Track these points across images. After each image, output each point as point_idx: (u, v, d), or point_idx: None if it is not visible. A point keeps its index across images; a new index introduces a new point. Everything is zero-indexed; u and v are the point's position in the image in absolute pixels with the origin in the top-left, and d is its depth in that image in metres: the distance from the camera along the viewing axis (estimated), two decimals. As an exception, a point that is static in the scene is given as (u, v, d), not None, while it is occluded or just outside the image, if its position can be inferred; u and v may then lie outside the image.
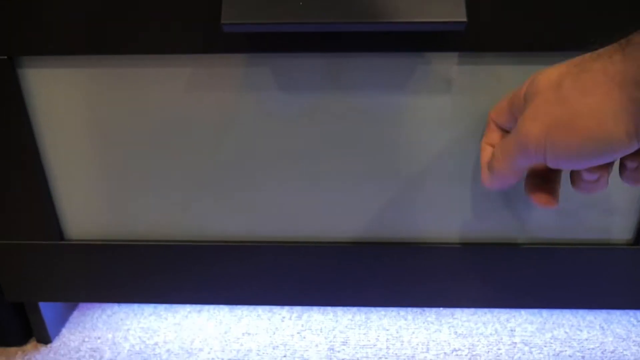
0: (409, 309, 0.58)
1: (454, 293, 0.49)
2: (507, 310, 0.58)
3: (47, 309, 0.54)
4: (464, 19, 0.34)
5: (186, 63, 0.40)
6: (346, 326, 0.56)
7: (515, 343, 0.54)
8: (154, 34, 0.38)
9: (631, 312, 0.58)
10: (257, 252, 0.47)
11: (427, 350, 0.53)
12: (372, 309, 0.58)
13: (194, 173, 0.44)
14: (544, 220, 0.46)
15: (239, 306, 0.58)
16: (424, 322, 0.57)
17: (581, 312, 0.58)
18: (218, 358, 0.53)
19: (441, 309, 0.58)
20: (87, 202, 0.46)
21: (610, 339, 0.55)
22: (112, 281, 0.49)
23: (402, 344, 0.54)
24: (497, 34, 0.37)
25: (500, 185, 0.37)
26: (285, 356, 0.53)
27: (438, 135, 0.42)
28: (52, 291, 0.50)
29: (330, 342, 0.55)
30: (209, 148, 0.43)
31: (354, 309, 0.59)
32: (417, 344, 0.54)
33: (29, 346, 0.55)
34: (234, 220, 0.46)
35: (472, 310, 0.59)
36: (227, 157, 0.43)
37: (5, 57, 0.39)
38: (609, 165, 0.35)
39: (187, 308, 0.59)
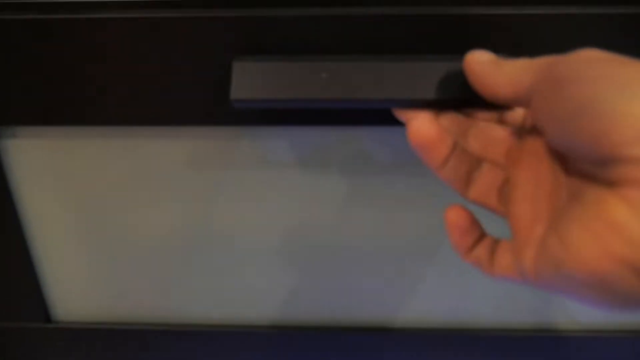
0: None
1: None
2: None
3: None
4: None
5: (178, 135, 0.35)
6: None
7: None
8: (147, 105, 0.33)
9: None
10: (248, 336, 0.42)
11: None
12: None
13: (185, 253, 0.39)
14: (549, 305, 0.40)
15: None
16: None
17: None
18: None
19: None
20: (74, 283, 0.40)
21: None
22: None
23: None
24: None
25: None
26: None
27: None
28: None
29: None
30: (199, 227, 0.38)
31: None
32: None
33: None
34: (223, 303, 0.41)
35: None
36: (219, 236, 0.38)
37: (-16, 127, 0.35)
38: None
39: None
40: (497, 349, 0.42)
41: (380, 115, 0.32)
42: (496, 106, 0.26)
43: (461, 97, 0.28)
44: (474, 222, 0.27)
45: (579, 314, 0.41)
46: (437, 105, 0.29)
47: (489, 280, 0.27)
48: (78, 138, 0.35)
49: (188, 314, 0.42)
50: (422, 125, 0.27)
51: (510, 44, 0.30)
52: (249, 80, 0.30)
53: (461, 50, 0.27)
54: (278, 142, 0.35)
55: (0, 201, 0.37)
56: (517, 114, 0.28)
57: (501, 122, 0.29)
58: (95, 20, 0.31)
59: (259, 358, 0.44)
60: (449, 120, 0.28)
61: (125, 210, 0.38)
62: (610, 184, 0.19)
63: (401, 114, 0.29)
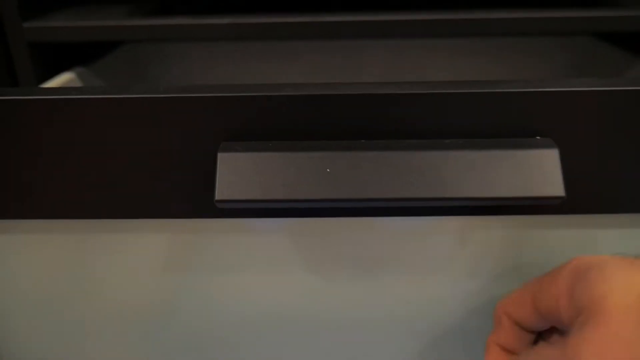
0: None
1: None
2: None
3: None
4: (563, 194, 0.24)
5: (161, 228, 0.30)
6: None
7: None
8: (133, 198, 0.28)
9: None
10: None
11: None
12: None
13: (168, 347, 0.34)
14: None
15: None
16: None
17: None
18: None
19: None
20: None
21: None
22: None
23: None
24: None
25: None
26: None
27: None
28: None
29: None
30: (182, 322, 0.33)
31: None
32: None
33: None
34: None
35: None
36: (210, 329, 0.33)
37: None
38: None
39: None
40: None
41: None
42: None
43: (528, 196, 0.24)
44: None
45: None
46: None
47: None
48: (56, 232, 0.30)
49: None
50: None
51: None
52: (236, 176, 0.24)
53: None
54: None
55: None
56: None
57: None
58: (71, 101, 0.26)
59: None
60: None
61: (96, 302, 0.32)
62: None
63: None
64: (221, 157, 0.24)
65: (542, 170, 0.23)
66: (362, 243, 0.30)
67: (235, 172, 0.24)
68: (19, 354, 0.34)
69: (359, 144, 0.24)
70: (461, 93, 0.25)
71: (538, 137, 0.25)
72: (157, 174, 0.27)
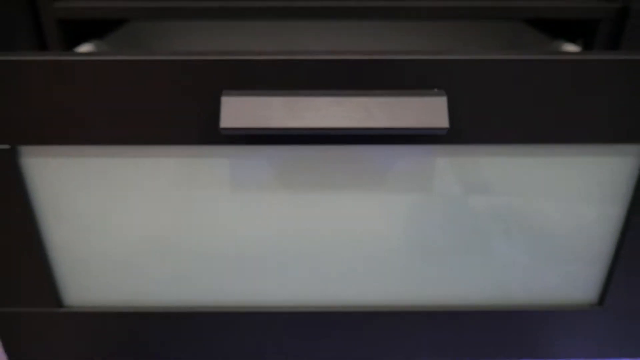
0: None
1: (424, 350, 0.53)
2: None
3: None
4: (447, 126, 0.37)
5: (177, 153, 0.42)
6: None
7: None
8: (148, 127, 0.40)
9: None
10: (247, 318, 0.50)
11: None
12: None
13: (187, 247, 0.46)
14: (510, 285, 0.49)
15: None
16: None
17: None
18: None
19: None
20: (84, 272, 0.47)
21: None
22: (108, 344, 0.51)
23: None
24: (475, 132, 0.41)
25: None
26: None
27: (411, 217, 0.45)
28: (56, 353, 0.52)
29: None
30: (201, 225, 0.45)
31: None
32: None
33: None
34: (226, 289, 0.49)
35: None
36: (221, 233, 0.46)
37: (8, 146, 0.41)
38: None
39: None
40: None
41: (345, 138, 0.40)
42: None
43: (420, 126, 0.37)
44: None
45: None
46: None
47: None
48: (86, 157, 0.42)
49: (189, 299, 0.49)
50: None
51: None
52: (235, 111, 0.37)
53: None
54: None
55: (20, 204, 0.43)
56: None
57: None
58: (107, 62, 0.38)
59: (256, 339, 0.51)
60: None
61: (124, 211, 0.44)
62: None
63: None
64: (224, 98, 0.37)
65: (434, 110, 0.36)
66: (333, 169, 0.42)
67: (238, 107, 0.37)
68: (65, 249, 0.46)
69: (315, 93, 0.37)
70: (392, 60, 0.38)
71: (435, 89, 0.38)
72: (175, 112, 0.39)
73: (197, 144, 0.40)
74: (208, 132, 0.40)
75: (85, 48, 0.60)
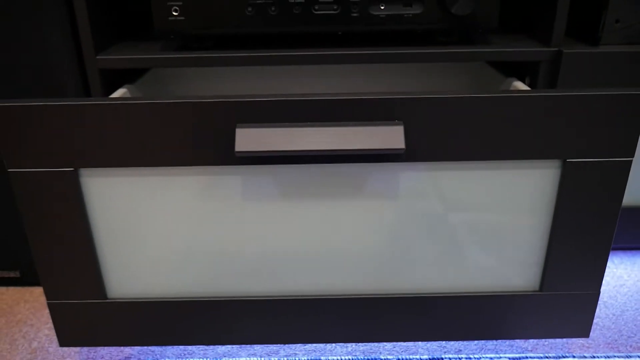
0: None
1: (406, 330, 0.64)
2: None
3: None
4: (403, 147, 0.50)
5: (201, 172, 0.55)
6: None
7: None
8: (180, 151, 0.53)
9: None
10: (271, 305, 0.62)
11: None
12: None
13: (212, 247, 0.58)
14: (466, 276, 0.61)
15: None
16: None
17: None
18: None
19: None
20: (126, 269, 0.59)
21: None
22: (146, 330, 0.63)
23: None
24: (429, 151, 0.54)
25: None
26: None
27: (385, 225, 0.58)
28: (100, 338, 0.63)
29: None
30: (222, 230, 0.58)
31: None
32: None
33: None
34: (243, 281, 0.61)
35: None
36: (239, 236, 0.58)
37: (72, 169, 0.53)
38: None
39: None
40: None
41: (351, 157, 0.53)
42: None
43: (379, 148, 0.50)
44: None
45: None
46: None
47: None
48: (133, 176, 0.54)
49: (219, 289, 0.61)
50: None
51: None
52: (246, 139, 0.49)
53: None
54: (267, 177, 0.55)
55: (78, 214, 0.55)
56: None
57: None
58: (147, 105, 0.51)
59: (299, 324, 0.63)
60: None
61: (161, 219, 0.57)
62: None
63: None
64: (238, 130, 0.49)
65: (391, 135, 0.49)
66: (321, 182, 0.55)
67: (249, 136, 0.49)
68: (111, 246, 0.58)
69: (307, 125, 0.50)
70: (363, 99, 0.51)
71: (396, 120, 0.51)
72: (199, 140, 0.52)
73: (217, 164, 0.53)
74: (226, 155, 0.53)
75: (120, 92, 0.73)
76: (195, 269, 0.60)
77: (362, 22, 0.72)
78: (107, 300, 0.61)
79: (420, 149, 0.53)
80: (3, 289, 0.87)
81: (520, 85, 0.77)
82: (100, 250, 0.59)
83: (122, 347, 0.73)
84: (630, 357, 0.72)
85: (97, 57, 0.72)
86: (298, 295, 0.62)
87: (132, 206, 0.56)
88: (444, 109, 0.52)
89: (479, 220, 0.58)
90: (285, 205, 0.57)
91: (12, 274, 0.88)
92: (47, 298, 0.60)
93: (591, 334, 0.77)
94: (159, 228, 0.57)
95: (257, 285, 0.61)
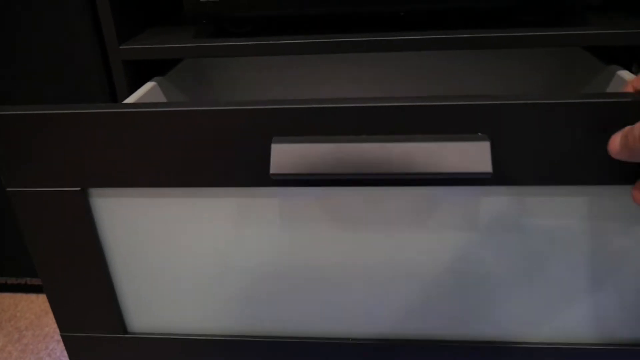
0: None
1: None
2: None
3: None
4: (489, 170, 0.38)
5: (230, 194, 0.45)
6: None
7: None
8: (204, 169, 0.43)
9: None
10: (303, 348, 0.52)
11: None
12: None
13: (240, 280, 0.49)
14: (562, 321, 0.49)
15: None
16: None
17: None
18: None
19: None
20: (147, 301, 0.51)
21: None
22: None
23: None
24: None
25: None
26: None
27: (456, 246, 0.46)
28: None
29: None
30: (252, 260, 0.48)
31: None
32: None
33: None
34: (292, 318, 0.51)
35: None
36: (271, 267, 0.48)
37: (79, 188, 0.45)
38: None
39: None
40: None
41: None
42: None
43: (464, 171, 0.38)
44: None
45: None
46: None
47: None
48: (147, 196, 0.45)
49: (247, 327, 0.52)
50: None
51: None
52: (284, 158, 0.39)
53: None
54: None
55: (89, 239, 0.47)
56: None
57: None
58: (164, 113, 0.41)
59: None
60: None
61: (183, 246, 0.47)
62: None
63: None
64: (274, 146, 0.39)
65: (474, 154, 0.37)
66: (376, 208, 0.44)
67: (287, 154, 0.39)
68: (130, 279, 0.50)
69: (360, 139, 0.39)
70: (434, 105, 0.39)
71: (479, 133, 0.39)
72: (231, 158, 0.41)
73: (249, 185, 0.43)
74: (260, 176, 0.42)
75: (148, 86, 0.64)
76: (224, 303, 0.50)
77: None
78: (128, 335, 0.53)
79: (511, 169, 0.41)
80: (33, 296, 0.81)
81: (627, 75, 0.62)
82: (118, 280, 0.50)
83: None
84: None
85: (121, 47, 0.63)
86: (345, 339, 0.51)
87: (151, 230, 0.47)
88: (547, 118, 0.39)
89: (583, 257, 0.45)
90: (331, 234, 0.46)
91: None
92: (60, 330, 0.53)
93: None
94: (183, 256, 0.48)
95: (295, 324, 0.51)
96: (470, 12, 0.68)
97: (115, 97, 0.65)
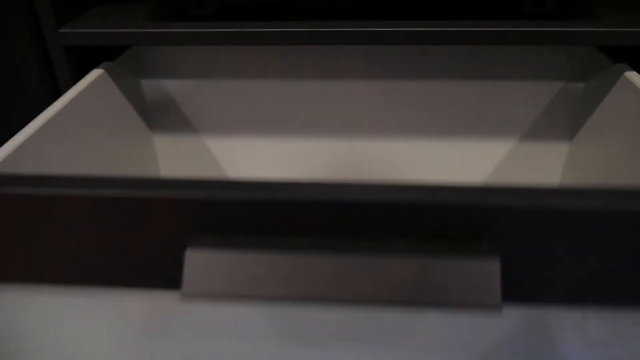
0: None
1: None
2: None
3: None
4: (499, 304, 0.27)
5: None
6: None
7: None
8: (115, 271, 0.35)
9: None
10: None
11: None
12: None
13: None
14: None
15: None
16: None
17: None
18: None
19: None
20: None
21: None
22: None
23: None
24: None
25: None
26: None
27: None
28: None
29: None
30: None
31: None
32: None
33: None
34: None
35: None
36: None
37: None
38: None
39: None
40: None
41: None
42: None
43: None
44: None
45: None
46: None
47: None
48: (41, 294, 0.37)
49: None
50: None
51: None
52: (201, 271, 0.28)
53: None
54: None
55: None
56: None
57: None
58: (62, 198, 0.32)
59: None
60: None
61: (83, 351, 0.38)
62: None
63: None
64: (188, 254, 0.28)
65: (476, 280, 0.26)
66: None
67: (200, 268, 0.28)
68: None
69: (318, 245, 0.28)
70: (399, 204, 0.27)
71: (485, 242, 0.27)
72: (135, 256, 0.31)
73: (159, 288, 0.32)
74: (172, 280, 0.32)
75: (96, 74, 0.56)
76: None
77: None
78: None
79: (526, 288, 0.30)
80: None
81: (635, 77, 0.54)
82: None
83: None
84: None
85: (60, 30, 0.54)
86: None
87: (47, 331, 0.36)
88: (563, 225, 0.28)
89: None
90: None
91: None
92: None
93: None
94: None
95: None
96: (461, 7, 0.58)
97: (57, 88, 0.57)
